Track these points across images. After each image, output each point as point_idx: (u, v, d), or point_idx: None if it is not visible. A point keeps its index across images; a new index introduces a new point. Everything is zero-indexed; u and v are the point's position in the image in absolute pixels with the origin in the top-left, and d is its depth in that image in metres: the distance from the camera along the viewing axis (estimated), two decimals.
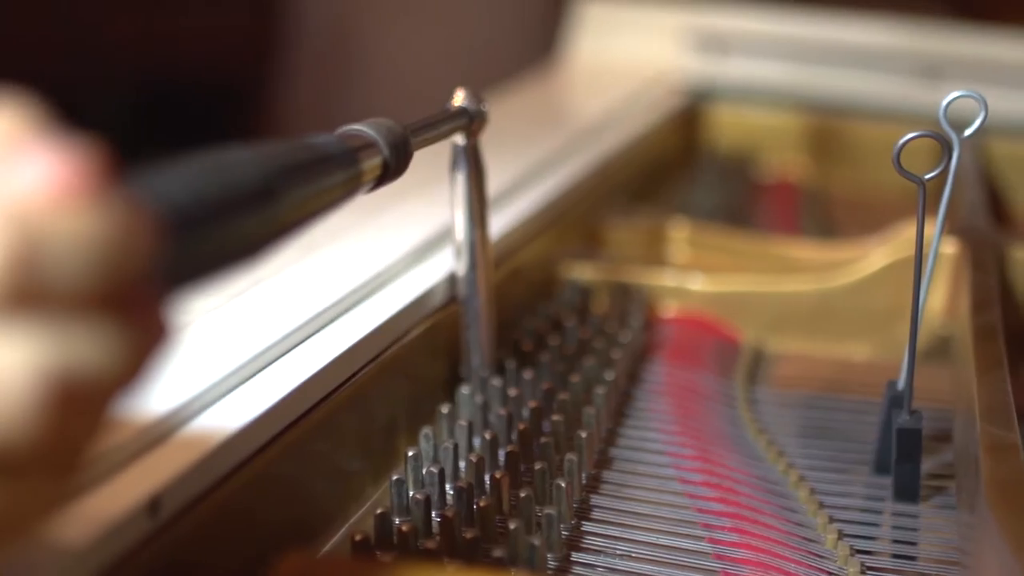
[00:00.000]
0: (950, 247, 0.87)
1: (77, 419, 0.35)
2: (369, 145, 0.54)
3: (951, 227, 0.89)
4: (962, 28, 1.31)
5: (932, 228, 0.81)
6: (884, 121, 1.21)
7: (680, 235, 0.98)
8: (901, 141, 0.62)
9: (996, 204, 1.17)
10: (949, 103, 0.66)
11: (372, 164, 0.54)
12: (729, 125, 1.30)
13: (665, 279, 0.90)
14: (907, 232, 0.89)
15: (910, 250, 0.87)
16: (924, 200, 0.63)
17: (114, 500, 0.47)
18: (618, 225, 0.98)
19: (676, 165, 1.22)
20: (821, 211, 1.15)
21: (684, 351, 0.84)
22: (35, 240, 0.33)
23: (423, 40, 2.69)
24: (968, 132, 0.66)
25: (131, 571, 0.47)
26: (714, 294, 0.89)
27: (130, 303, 0.35)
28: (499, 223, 0.80)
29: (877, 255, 0.88)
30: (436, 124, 0.65)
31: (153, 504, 0.48)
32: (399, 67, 2.60)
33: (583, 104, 1.27)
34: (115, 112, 2.70)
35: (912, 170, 0.63)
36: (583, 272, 0.90)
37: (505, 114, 1.11)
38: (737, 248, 0.96)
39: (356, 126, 0.55)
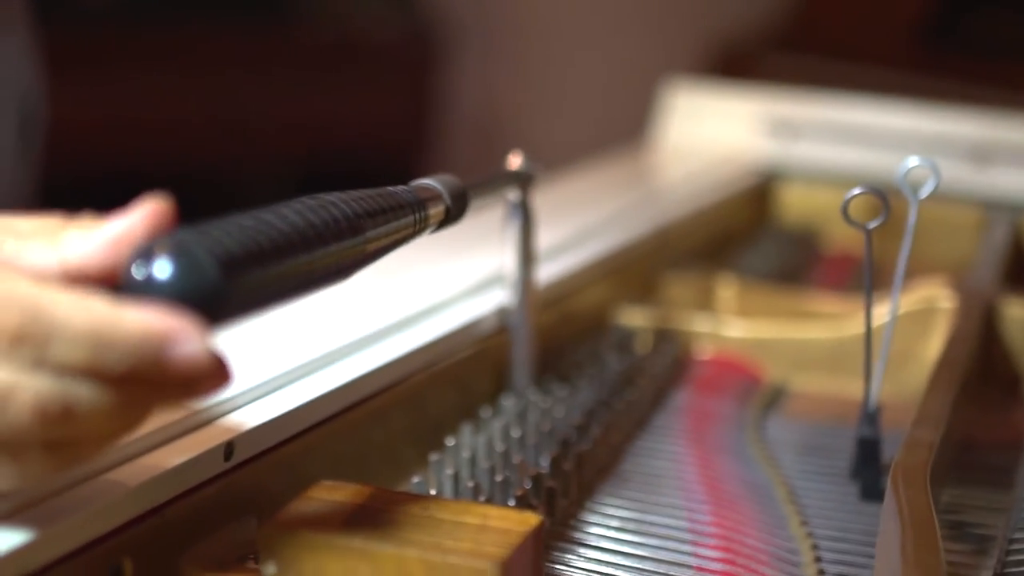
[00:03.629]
0: (948, 303, 0.99)
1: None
2: (435, 195, 0.70)
3: (953, 285, 1.01)
4: (1010, 115, 1.44)
5: (931, 284, 0.94)
6: (937, 200, 1.34)
7: (727, 291, 1.12)
8: (848, 195, 0.76)
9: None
10: (908, 169, 0.80)
11: (437, 210, 0.69)
12: (796, 203, 1.44)
13: (702, 325, 1.04)
14: (920, 290, 1.02)
15: (918, 305, 1.01)
16: (870, 246, 0.77)
17: (199, 442, 0.64)
18: (673, 280, 1.13)
19: (744, 235, 1.36)
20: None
21: (710, 384, 0.98)
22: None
23: (561, 126, 2.87)
24: (923, 194, 0.80)
25: (203, 497, 0.63)
26: (745, 339, 1.03)
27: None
28: (559, 268, 0.96)
29: (885, 308, 1.01)
30: (492, 181, 0.80)
31: (228, 449, 0.64)
32: (538, 148, 2.78)
33: (664, 177, 1.42)
34: (277, 191, 2.88)
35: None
36: (632, 317, 1.04)
37: (597, 181, 1.28)
38: (774, 302, 1.10)
39: (425, 180, 0.71)
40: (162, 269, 0.49)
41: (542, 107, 3.03)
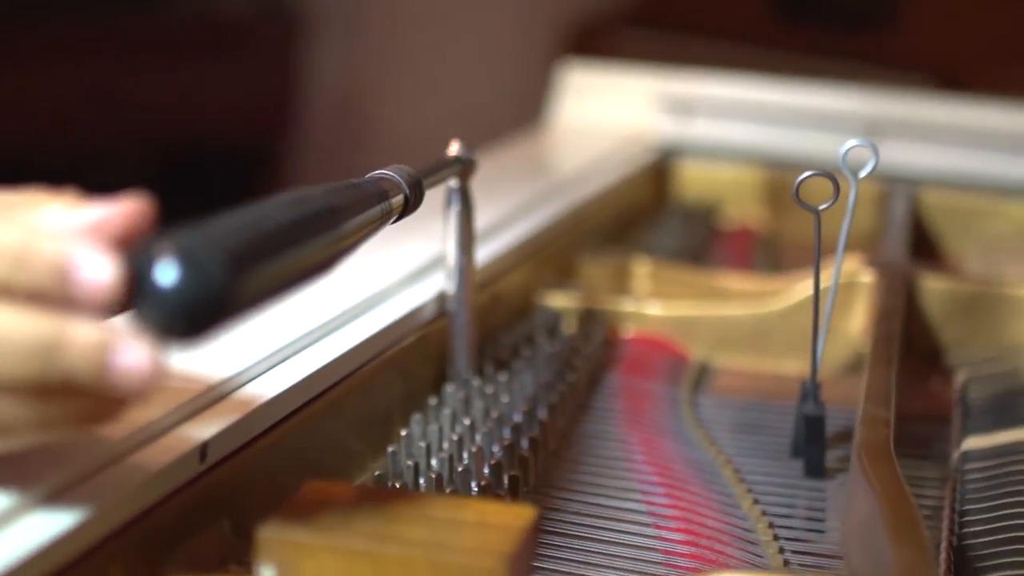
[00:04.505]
0: (868, 277, 1.01)
1: None
2: (395, 186, 0.69)
3: (871, 260, 1.03)
4: (902, 92, 1.47)
5: (850, 259, 0.96)
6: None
7: (643, 271, 1.13)
8: (800, 177, 0.77)
9: (928, 247, 1.33)
10: (847, 149, 0.81)
11: (398, 200, 0.69)
12: (694, 180, 1.46)
13: (625, 305, 1.05)
14: (831, 267, 1.03)
15: (831, 280, 1.03)
16: (819, 227, 0.78)
17: (174, 445, 0.62)
18: (589, 261, 1.13)
19: (645, 214, 1.37)
20: (772, 254, 1.30)
21: (638, 364, 0.99)
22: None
23: (423, 106, 2.86)
24: (863, 174, 0.81)
25: (183, 501, 0.62)
26: (666, 318, 1.04)
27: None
28: (483, 254, 0.95)
29: (804, 285, 1.02)
30: (439, 169, 0.80)
31: (203, 450, 0.63)
32: (400, 130, 2.77)
33: (564, 159, 1.43)
34: (137, 172, 2.82)
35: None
36: (556, 300, 1.05)
37: (496, 167, 1.27)
38: (690, 281, 1.11)
39: (383, 171, 0.70)
40: (166, 273, 0.48)
41: (405, 87, 3.01)
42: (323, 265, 0.58)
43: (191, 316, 0.48)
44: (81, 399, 0.51)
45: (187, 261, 0.49)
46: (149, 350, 0.49)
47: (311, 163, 2.79)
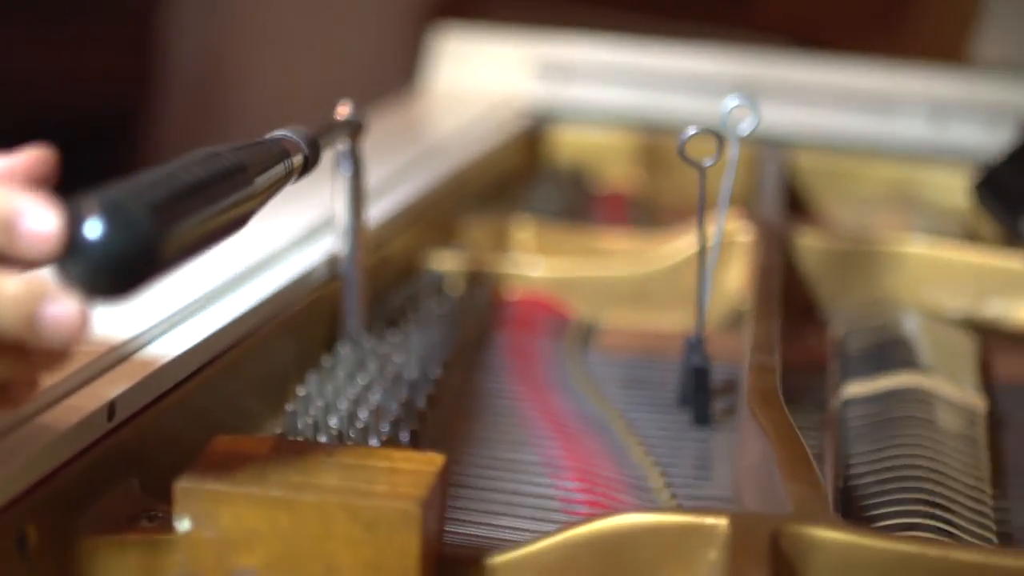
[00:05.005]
0: (745, 235, 1.04)
1: None
2: (294, 145, 0.70)
3: (749, 218, 1.06)
4: (785, 54, 1.50)
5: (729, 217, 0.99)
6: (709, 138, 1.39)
7: (525, 232, 1.15)
8: (685, 135, 0.79)
9: (799, 206, 1.36)
10: (731, 109, 0.84)
11: (298, 160, 0.70)
12: (570, 144, 1.47)
13: (510, 266, 1.06)
14: (710, 225, 1.06)
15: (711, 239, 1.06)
16: (704, 184, 0.80)
17: (82, 404, 0.63)
18: (472, 223, 1.15)
19: (521, 178, 1.38)
20: (647, 217, 1.33)
21: (525, 323, 1.01)
22: None
23: (292, 69, 2.84)
24: (745, 131, 0.84)
25: (93, 460, 0.62)
26: (551, 278, 1.06)
27: None
28: (372, 215, 0.96)
29: (685, 243, 1.05)
30: (332, 130, 0.81)
31: (111, 408, 0.64)
32: (269, 95, 2.75)
33: (439, 125, 1.44)
34: None
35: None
36: (442, 261, 1.06)
37: (371, 132, 1.27)
38: (572, 241, 1.13)
39: (282, 132, 0.71)
40: (94, 228, 0.49)
41: (269, 53, 2.99)
42: (238, 221, 0.58)
43: (119, 270, 0.49)
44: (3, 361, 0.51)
45: (114, 215, 0.49)
46: (78, 301, 0.49)
47: (178, 130, 2.76)
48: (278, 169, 0.65)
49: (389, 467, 0.59)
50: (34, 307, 0.49)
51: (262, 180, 0.62)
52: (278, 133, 0.70)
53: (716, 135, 0.79)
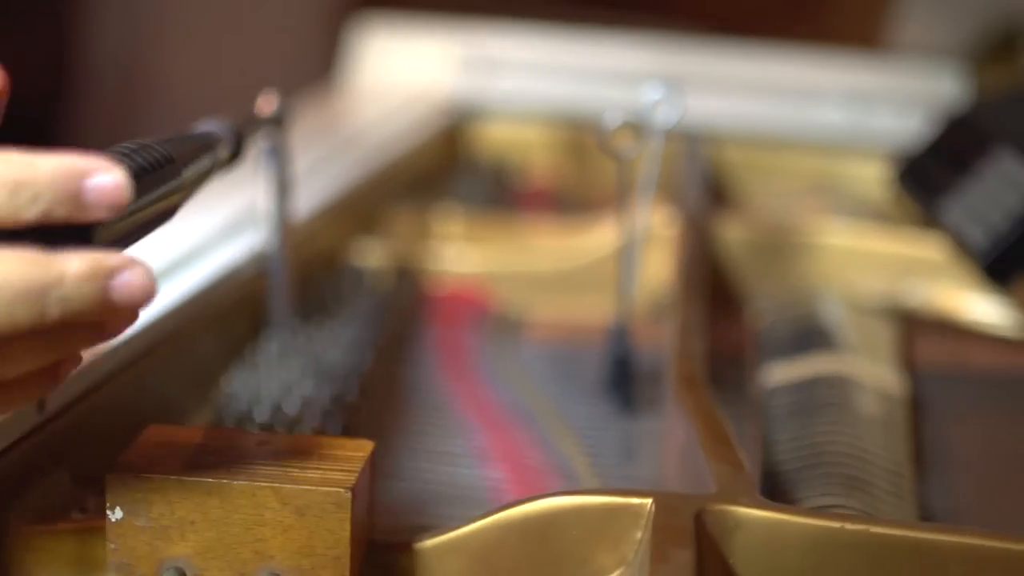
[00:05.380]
0: (669, 226, 1.05)
1: None
2: (221, 138, 0.70)
3: (672, 210, 1.08)
4: (705, 44, 1.52)
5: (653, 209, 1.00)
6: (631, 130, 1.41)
7: (453, 225, 1.15)
8: (608, 126, 0.80)
9: (722, 198, 1.38)
10: (654, 102, 0.85)
11: (224, 152, 0.70)
12: (495, 138, 1.48)
13: (435, 260, 1.07)
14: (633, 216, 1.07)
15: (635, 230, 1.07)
16: (624, 175, 0.81)
17: None
18: (397, 217, 1.15)
19: (445, 172, 1.39)
20: (575, 209, 1.33)
21: (451, 316, 1.02)
22: None
23: (211, 64, 2.82)
24: (669, 122, 0.85)
25: (24, 452, 0.63)
26: (478, 272, 1.06)
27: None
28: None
29: (611, 234, 1.06)
30: (256, 123, 0.81)
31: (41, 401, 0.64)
32: (189, 91, 2.73)
33: (361, 118, 1.44)
34: None
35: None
36: (368, 254, 1.07)
37: (293, 126, 1.28)
38: (498, 234, 1.14)
39: (206, 124, 0.71)
40: None
41: (183, 51, 2.97)
42: (166, 213, 0.59)
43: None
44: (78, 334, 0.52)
45: None
46: (141, 265, 0.50)
47: (92, 131, 2.74)
48: (205, 162, 0.66)
49: (319, 453, 0.59)
50: (104, 282, 0.49)
51: (189, 172, 0.62)
52: (203, 126, 0.71)
53: (635, 126, 0.80)
